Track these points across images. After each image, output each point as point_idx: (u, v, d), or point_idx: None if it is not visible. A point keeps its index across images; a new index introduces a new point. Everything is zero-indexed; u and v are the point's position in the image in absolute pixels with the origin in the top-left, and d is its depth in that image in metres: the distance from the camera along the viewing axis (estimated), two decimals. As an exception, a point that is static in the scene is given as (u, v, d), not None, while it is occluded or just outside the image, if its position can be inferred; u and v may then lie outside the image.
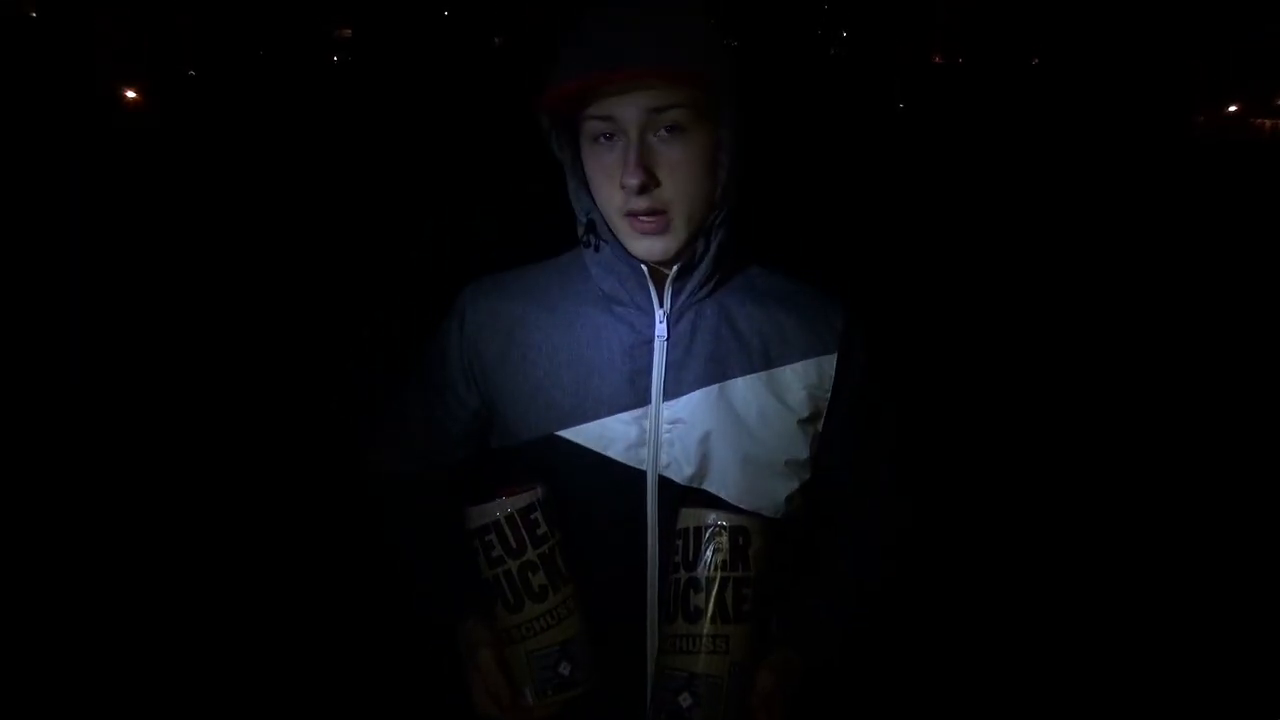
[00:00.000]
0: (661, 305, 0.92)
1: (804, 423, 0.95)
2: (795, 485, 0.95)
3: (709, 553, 0.83)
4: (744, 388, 0.93)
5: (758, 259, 1.00)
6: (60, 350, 3.85)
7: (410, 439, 1.04)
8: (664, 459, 0.91)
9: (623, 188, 0.84)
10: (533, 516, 0.85)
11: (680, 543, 0.85)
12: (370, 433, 1.09)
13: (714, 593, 0.83)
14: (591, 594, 0.93)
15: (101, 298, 4.63)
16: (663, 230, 0.87)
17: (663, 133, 0.84)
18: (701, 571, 0.83)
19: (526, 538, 0.85)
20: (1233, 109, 13.28)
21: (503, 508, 0.85)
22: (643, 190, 0.84)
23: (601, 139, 0.86)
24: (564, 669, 0.85)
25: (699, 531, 0.84)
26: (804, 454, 0.95)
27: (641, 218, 0.86)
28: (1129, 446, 3.39)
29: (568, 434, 0.92)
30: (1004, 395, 3.85)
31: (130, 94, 11.88)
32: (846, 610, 0.98)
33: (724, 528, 0.83)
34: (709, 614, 0.83)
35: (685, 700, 0.82)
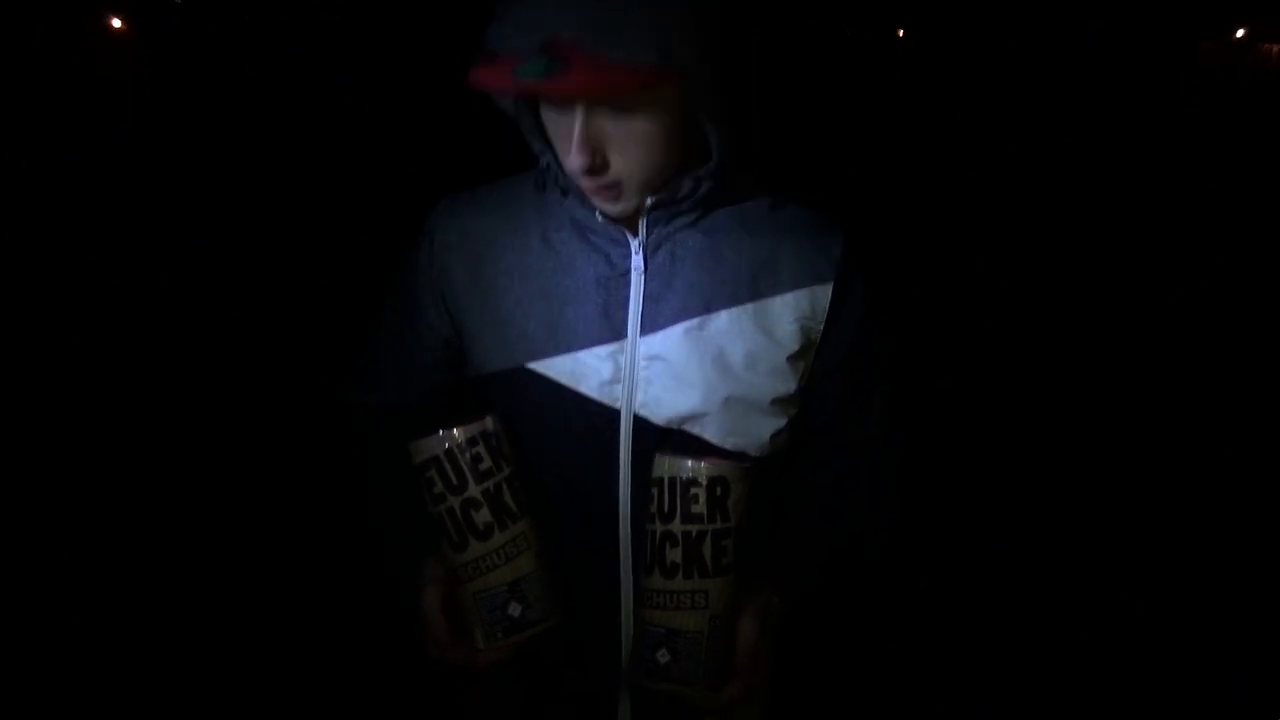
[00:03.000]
0: (636, 235, 0.87)
1: (793, 358, 0.90)
2: (782, 423, 0.92)
3: (685, 505, 0.80)
4: (728, 321, 0.87)
5: (753, 185, 0.93)
6: (43, 298, 3.84)
7: (382, 367, 1.00)
8: (640, 397, 0.87)
9: (567, 168, 0.78)
10: (475, 451, 0.82)
11: (656, 492, 0.81)
12: (351, 368, 1.05)
13: (691, 547, 0.80)
14: (562, 535, 0.90)
15: (81, 232, 4.58)
16: (616, 198, 0.81)
17: (614, 108, 0.75)
18: (677, 525, 0.80)
19: (469, 473, 0.81)
20: (1240, 33, 12.97)
21: (442, 443, 0.81)
22: (589, 171, 0.77)
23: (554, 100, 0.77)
24: (513, 610, 0.82)
25: (673, 482, 0.80)
26: (792, 390, 0.91)
27: (594, 190, 0.81)
28: (1137, 406, 3.35)
29: (538, 367, 0.88)
30: (1004, 331, 3.85)
31: (115, 22, 11.59)
32: (828, 548, 0.95)
33: (701, 479, 0.79)
34: (686, 569, 0.80)
35: (664, 656, 0.81)
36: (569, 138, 0.76)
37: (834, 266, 0.90)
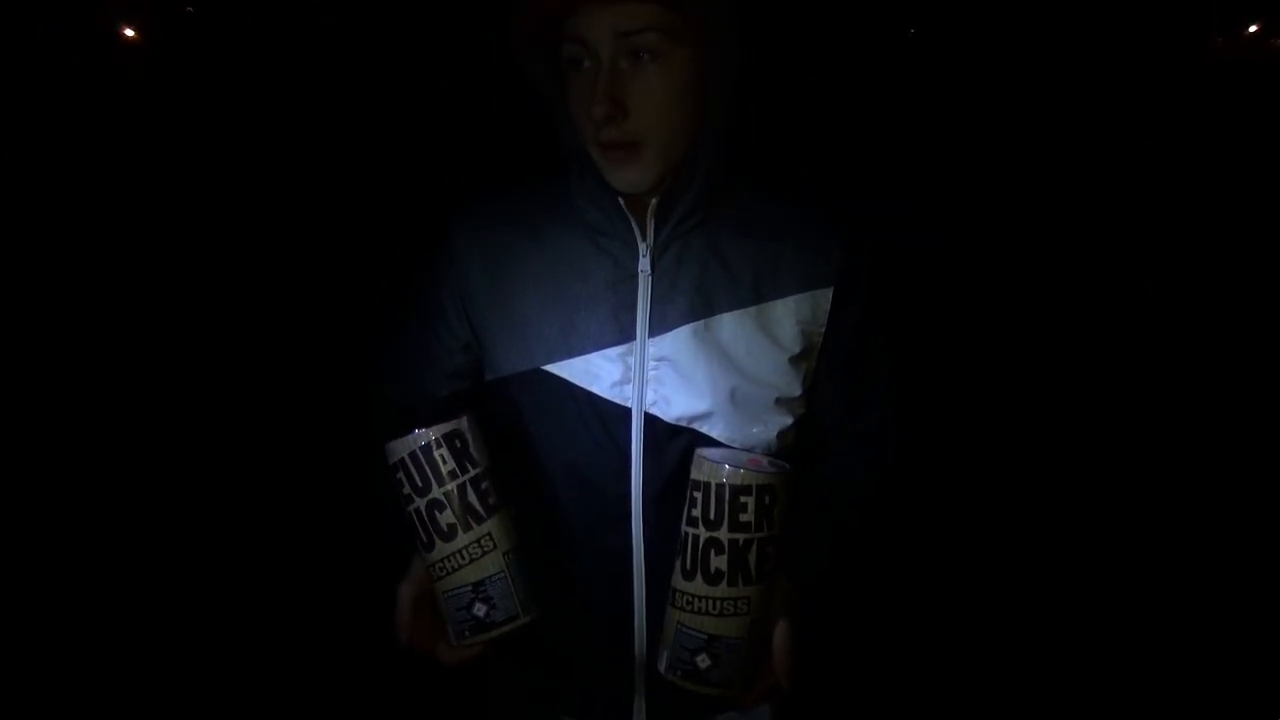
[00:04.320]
0: (644, 238, 0.90)
1: (796, 359, 0.92)
2: (788, 422, 0.94)
3: (734, 513, 0.79)
4: (732, 323, 0.90)
5: (755, 186, 0.95)
6: (52, 304, 3.86)
7: (404, 370, 1.03)
8: (649, 396, 0.90)
9: (591, 118, 0.81)
10: (439, 453, 0.83)
11: (699, 496, 0.81)
12: (374, 372, 1.08)
13: (738, 554, 0.80)
14: (574, 532, 0.94)
15: (92, 239, 4.60)
16: (633, 160, 0.84)
17: (636, 58, 0.79)
18: (724, 533, 0.79)
19: (431, 475, 0.83)
20: (1253, 29, 12.89)
21: (408, 445, 0.83)
22: (610, 120, 0.80)
23: (577, 65, 0.82)
24: (478, 610, 0.83)
25: (721, 489, 0.79)
26: (796, 391, 0.93)
27: (614, 147, 0.83)
28: (1151, 407, 3.31)
29: (553, 368, 0.91)
30: (1010, 337, 3.83)
31: (128, 32, 11.69)
32: (831, 544, 0.97)
33: (751, 487, 0.79)
34: (731, 576, 0.80)
35: (704, 661, 0.81)
36: (593, 91, 0.80)
37: (834, 270, 0.92)
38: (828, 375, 0.96)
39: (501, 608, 0.84)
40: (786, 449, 0.95)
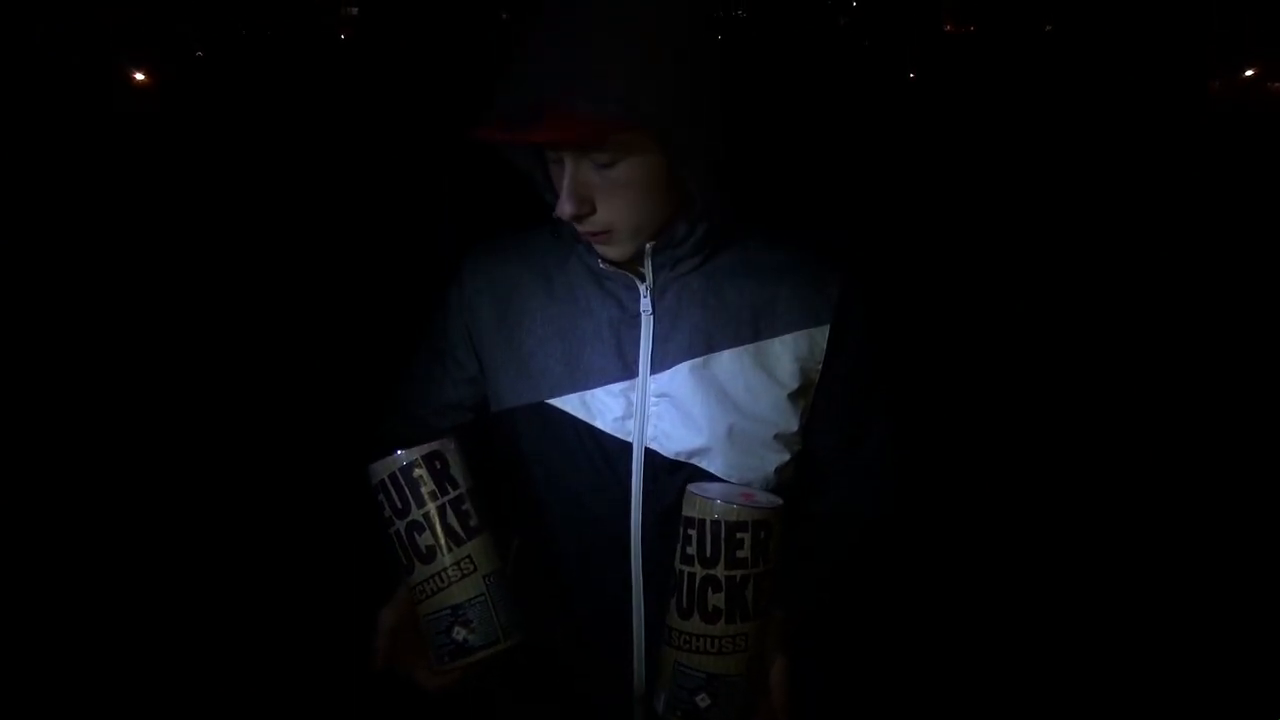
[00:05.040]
0: (645, 281, 0.92)
1: (794, 396, 0.94)
2: (786, 457, 0.95)
3: (730, 550, 0.79)
4: (729, 361, 0.92)
5: (753, 227, 0.97)
6: (64, 336, 3.89)
7: (413, 401, 1.05)
8: (650, 431, 0.92)
9: (561, 215, 0.83)
10: (418, 474, 0.82)
11: (694, 534, 0.80)
12: (382, 402, 1.10)
13: (735, 591, 0.79)
14: (574, 564, 0.95)
15: (106, 276, 4.65)
16: (609, 243, 0.87)
17: (596, 162, 0.81)
18: (721, 570, 0.79)
19: (410, 496, 0.82)
20: (1250, 73, 13.04)
21: (387, 467, 0.83)
22: (578, 220, 0.83)
23: (549, 152, 0.84)
24: (458, 634, 0.81)
25: (716, 526, 0.79)
26: (794, 427, 0.95)
27: (588, 235, 0.86)
28: (1144, 432, 3.32)
29: (557, 402, 0.93)
30: (1006, 374, 3.84)
31: (138, 76, 11.88)
32: (829, 578, 0.98)
33: (747, 523, 0.79)
34: (729, 614, 0.80)
35: (703, 701, 0.80)
36: (561, 186, 0.82)
37: (831, 308, 0.94)
38: (825, 410, 0.97)
39: (481, 632, 0.82)
40: (784, 484, 0.96)
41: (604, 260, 0.90)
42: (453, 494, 0.83)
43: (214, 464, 2.96)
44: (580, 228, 0.85)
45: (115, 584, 2.35)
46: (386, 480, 0.82)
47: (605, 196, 0.82)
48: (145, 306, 4.31)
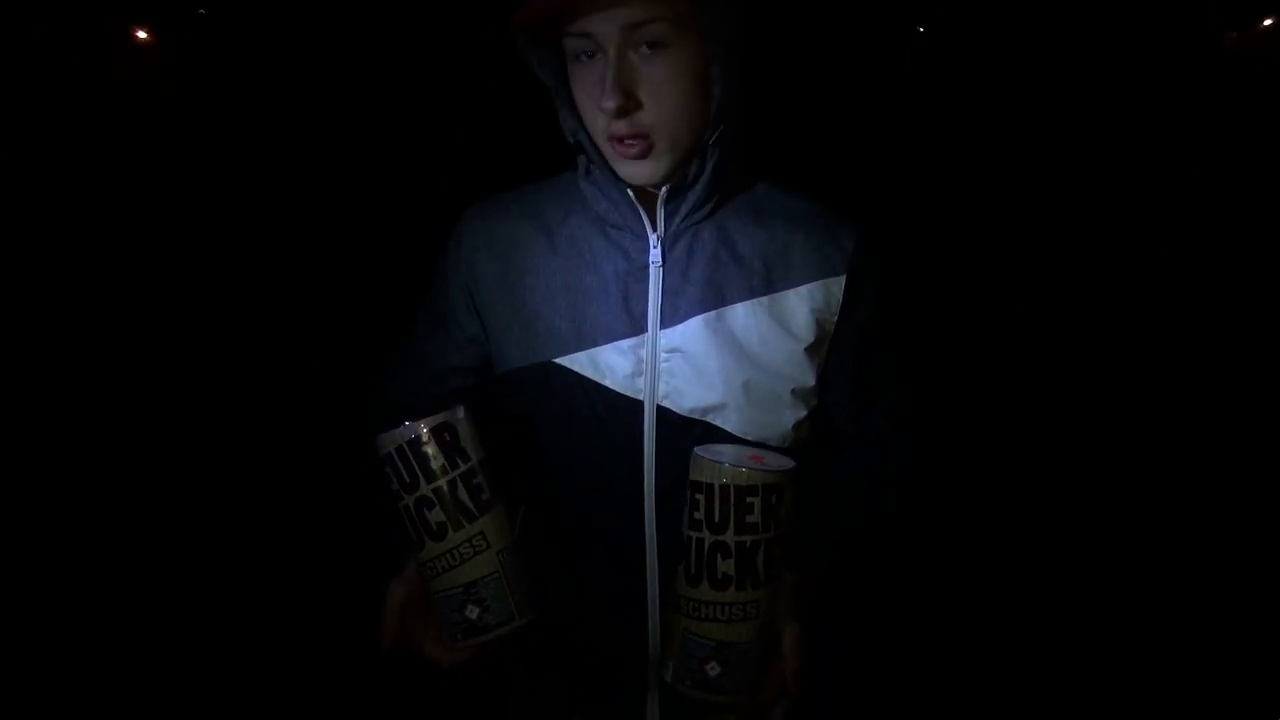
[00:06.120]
0: (655, 229, 0.90)
1: (810, 349, 0.92)
2: (803, 414, 0.94)
3: (740, 515, 0.77)
4: (744, 314, 0.90)
5: (765, 176, 0.95)
6: (62, 309, 3.93)
7: (413, 367, 1.02)
8: (662, 389, 0.90)
9: (602, 110, 0.80)
10: (426, 448, 0.80)
11: (702, 499, 0.79)
12: (383, 369, 1.07)
13: (745, 557, 0.78)
14: (586, 527, 0.93)
15: (104, 241, 4.67)
16: (646, 154, 0.83)
17: (644, 50, 0.79)
18: (730, 536, 0.78)
19: (420, 470, 0.80)
20: (1267, 23, 12.77)
21: (395, 439, 0.80)
22: (622, 113, 0.80)
23: (583, 57, 0.81)
24: (471, 613, 0.80)
25: (725, 491, 0.77)
26: (811, 381, 0.93)
27: (625, 141, 0.82)
28: (1158, 405, 3.35)
29: (564, 361, 0.91)
30: (1017, 326, 3.82)
31: (141, 34, 11.75)
32: (842, 535, 0.97)
33: (757, 487, 0.77)
34: (739, 581, 0.78)
35: (713, 669, 0.80)
36: (601, 84, 0.79)
37: (846, 258, 0.92)
38: (839, 365, 0.95)
39: (496, 610, 0.81)
40: (801, 442, 0.94)
41: (630, 185, 0.87)
42: (463, 467, 0.81)
43: (213, 443, 2.98)
44: (618, 129, 0.81)
45: (113, 567, 2.38)
46: (394, 453, 0.80)
47: (650, 90, 0.80)
48: (139, 287, 4.32)
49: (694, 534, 0.80)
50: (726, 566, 0.78)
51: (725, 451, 0.83)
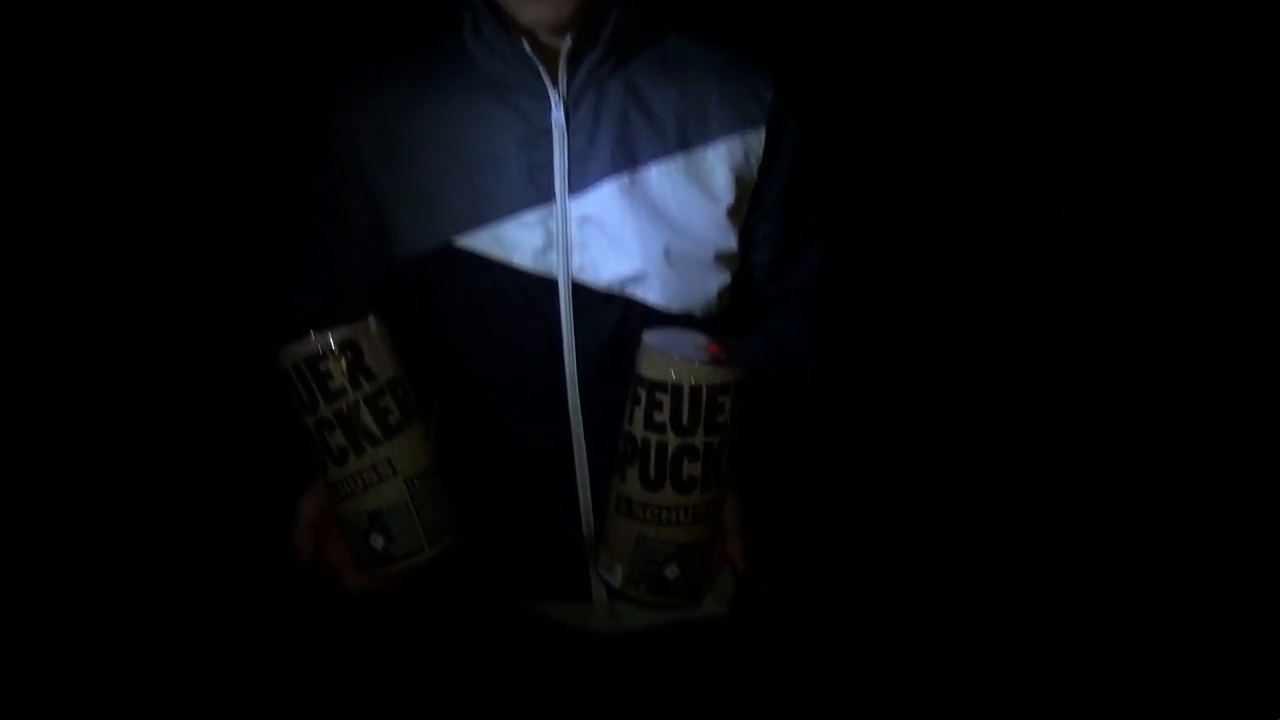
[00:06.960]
0: (556, 87, 0.81)
1: (731, 211, 0.85)
2: (727, 279, 0.86)
3: (711, 415, 0.70)
4: (659, 175, 0.82)
5: (674, 25, 0.88)
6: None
7: (316, 270, 0.91)
8: (576, 262, 0.81)
9: None
10: (324, 365, 0.71)
11: (667, 399, 0.70)
12: (288, 273, 0.95)
13: (712, 458, 0.72)
14: (504, 424, 0.85)
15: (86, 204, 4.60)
16: None
17: None
18: (700, 438, 0.71)
19: (318, 391, 0.71)
20: (1263, 21, 12.77)
21: (292, 355, 0.72)
22: None
23: None
24: (375, 542, 0.73)
25: (697, 392, 0.70)
26: (733, 244, 0.86)
27: None
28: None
29: (465, 241, 0.82)
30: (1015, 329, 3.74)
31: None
32: (779, 409, 0.88)
33: (729, 386, 0.70)
34: (704, 483, 0.73)
35: (672, 572, 0.74)
36: None
37: (765, 110, 0.85)
38: (760, 224, 0.88)
39: (402, 541, 0.74)
40: (724, 310, 0.87)
41: (526, 36, 0.79)
42: (368, 388, 0.72)
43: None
44: None
45: (102, 575, 2.23)
46: (291, 371, 0.72)
47: None
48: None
49: (654, 436, 0.72)
50: (693, 469, 0.72)
51: (683, 344, 0.74)
